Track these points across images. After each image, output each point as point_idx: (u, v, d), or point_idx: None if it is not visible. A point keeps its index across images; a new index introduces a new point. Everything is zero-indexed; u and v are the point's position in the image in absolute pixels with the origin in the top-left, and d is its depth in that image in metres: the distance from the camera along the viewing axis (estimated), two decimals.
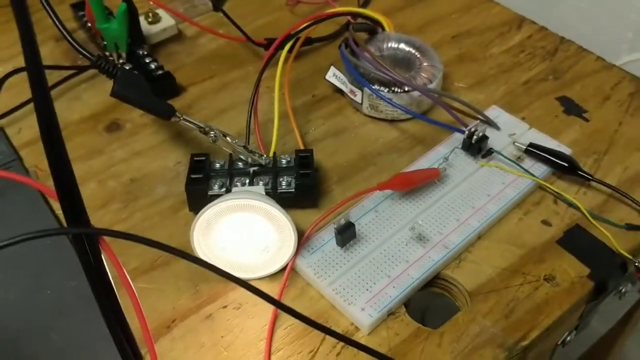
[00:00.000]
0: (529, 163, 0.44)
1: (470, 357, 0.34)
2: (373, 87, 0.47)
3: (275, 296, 0.37)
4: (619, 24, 0.69)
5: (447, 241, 0.39)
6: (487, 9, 0.61)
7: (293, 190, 0.41)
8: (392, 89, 0.47)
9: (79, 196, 0.22)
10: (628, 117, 0.49)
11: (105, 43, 0.52)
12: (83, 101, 0.51)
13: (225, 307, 0.37)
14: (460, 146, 0.45)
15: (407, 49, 0.51)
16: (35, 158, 0.46)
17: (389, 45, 0.51)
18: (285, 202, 0.39)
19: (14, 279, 0.38)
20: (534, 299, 0.37)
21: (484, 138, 0.44)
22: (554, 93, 0.51)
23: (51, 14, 0.48)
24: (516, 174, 0.43)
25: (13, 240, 0.21)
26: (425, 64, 0.50)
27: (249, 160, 0.42)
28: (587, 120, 0.49)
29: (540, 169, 0.44)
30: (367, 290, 0.36)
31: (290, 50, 0.51)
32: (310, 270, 0.38)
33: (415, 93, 0.47)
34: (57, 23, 0.49)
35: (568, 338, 0.42)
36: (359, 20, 0.55)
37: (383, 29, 0.54)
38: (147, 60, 0.52)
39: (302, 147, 0.45)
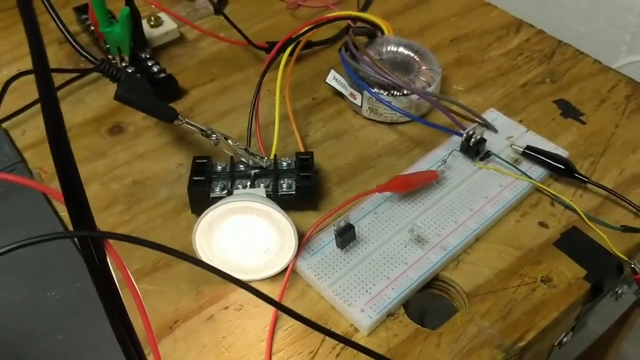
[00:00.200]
0: (526, 165, 0.44)
1: (468, 357, 0.35)
2: (372, 90, 0.47)
3: (276, 298, 0.38)
4: (617, 27, 0.70)
5: (445, 243, 0.40)
6: (485, 12, 0.62)
7: (293, 192, 0.41)
8: (392, 92, 0.48)
9: (85, 198, 0.23)
10: (624, 120, 0.49)
11: (108, 46, 0.52)
12: (86, 104, 0.52)
13: (226, 308, 0.38)
14: (458, 149, 0.45)
15: (406, 52, 0.52)
16: (39, 160, 0.47)
17: (388, 48, 0.52)
18: (286, 204, 0.40)
19: (19, 281, 0.39)
20: (531, 300, 0.37)
21: (482, 141, 0.44)
22: (551, 96, 0.52)
23: (55, 17, 0.48)
24: (513, 176, 0.44)
25: (21, 243, 0.21)
26: (424, 67, 0.50)
27: (250, 162, 0.42)
28: (583, 123, 0.49)
29: (537, 172, 0.44)
30: (367, 291, 0.37)
31: (291, 54, 0.52)
32: (310, 272, 0.38)
33: (414, 96, 0.48)
34: (61, 26, 0.49)
35: (565, 339, 0.43)
36: (359, 24, 0.55)
37: (382, 32, 0.54)
38: (150, 64, 0.52)
39: (302, 150, 0.46)
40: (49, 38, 0.56)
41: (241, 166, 0.43)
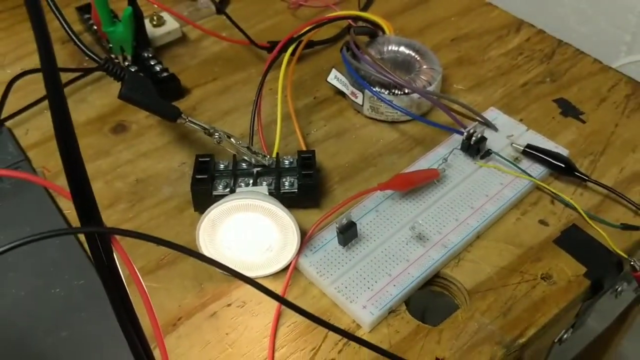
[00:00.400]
0: (526, 164, 0.45)
1: (469, 354, 0.35)
2: (374, 89, 0.48)
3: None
4: (617, 27, 0.70)
5: (446, 240, 0.40)
6: (485, 12, 0.62)
7: (296, 190, 0.42)
8: (393, 91, 0.48)
9: (92, 194, 0.23)
10: (624, 119, 0.50)
11: (110, 46, 0.53)
12: (89, 103, 0.52)
13: (229, 305, 0.38)
14: (459, 147, 0.46)
15: (407, 51, 0.52)
16: (43, 159, 0.47)
17: (390, 48, 0.52)
18: (288, 202, 0.40)
19: (24, 278, 0.39)
20: (532, 297, 0.38)
21: (483, 139, 0.45)
22: (551, 95, 0.52)
23: (59, 16, 0.48)
24: (514, 174, 0.44)
25: (29, 239, 0.22)
26: (424, 66, 0.51)
27: (253, 161, 0.43)
28: (583, 122, 0.50)
29: (537, 170, 0.44)
30: (369, 288, 0.37)
31: (292, 53, 0.52)
32: (312, 269, 0.38)
33: (415, 95, 0.48)
34: (65, 26, 0.49)
35: (565, 336, 0.43)
36: (360, 23, 0.55)
37: (383, 32, 0.55)
38: (152, 63, 0.53)
39: (304, 148, 0.46)
40: (52, 37, 0.56)
41: (244, 164, 0.43)
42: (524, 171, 0.44)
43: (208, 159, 0.43)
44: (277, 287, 0.39)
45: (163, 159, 0.47)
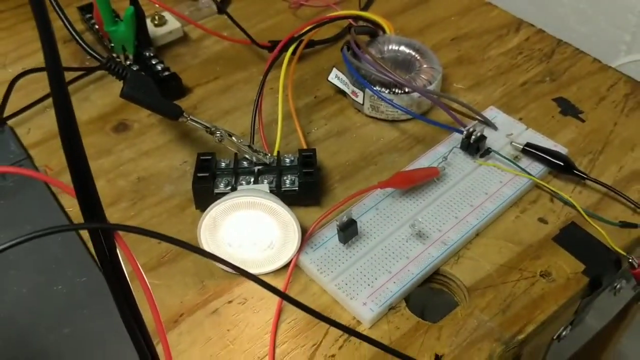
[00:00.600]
0: (526, 162, 0.45)
1: (468, 350, 0.36)
2: (374, 88, 0.48)
3: None
4: (617, 27, 0.70)
5: (446, 238, 0.40)
6: (485, 12, 0.63)
7: (296, 188, 0.42)
8: (393, 90, 0.48)
9: (95, 191, 0.23)
10: (623, 118, 0.50)
11: (112, 45, 0.53)
12: (91, 102, 0.52)
13: (230, 302, 0.38)
14: (459, 146, 0.46)
15: (407, 51, 0.52)
16: (45, 158, 0.47)
17: (390, 47, 0.53)
18: (289, 200, 0.40)
19: (27, 275, 0.39)
20: (531, 294, 0.38)
21: (482, 138, 0.45)
22: (550, 94, 0.52)
23: (61, 15, 0.49)
24: (513, 172, 0.44)
25: (33, 235, 0.22)
26: (424, 65, 0.51)
27: (254, 159, 0.43)
28: (583, 120, 0.50)
29: (537, 168, 0.45)
30: (369, 285, 0.38)
31: (293, 53, 0.53)
32: (313, 266, 0.39)
33: (415, 94, 0.48)
34: (68, 25, 0.50)
35: (564, 333, 0.43)
36: (360, 23, 0.56)
37: (384, 31, 0.55)
38: (154, 62, 0.53)
39: (305, 147, 0.47)
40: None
41: (245, 163, 0.43)
42: (523, 169, 0.44)
43: (209, 157, 0.43)
44: (278, 284, 0.39)
45: (165, 157, 0.48)
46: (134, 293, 0.26)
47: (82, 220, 0.24)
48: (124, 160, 0.47)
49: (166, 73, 0.52)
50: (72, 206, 0.43)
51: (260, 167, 0.43)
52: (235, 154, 0.43)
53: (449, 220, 0.41)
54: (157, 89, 0.44)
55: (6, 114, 0.50)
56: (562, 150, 0.46)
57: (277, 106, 0.48)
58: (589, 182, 0.44)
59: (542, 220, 0.42)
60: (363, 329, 0.37)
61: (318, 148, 0.46)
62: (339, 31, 0.59)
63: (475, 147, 0.45)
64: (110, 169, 0.47)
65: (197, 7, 0.62)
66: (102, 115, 0.51)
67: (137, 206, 0.44)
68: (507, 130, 0.48)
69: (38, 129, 0.50)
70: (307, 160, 0.43)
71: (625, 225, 0.41)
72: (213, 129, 0.43)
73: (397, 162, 0.47)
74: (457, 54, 0.57)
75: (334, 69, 0.52)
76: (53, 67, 0.20)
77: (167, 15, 0.58)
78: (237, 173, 0.42)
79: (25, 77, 0.51)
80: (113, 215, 0.43)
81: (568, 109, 0.51)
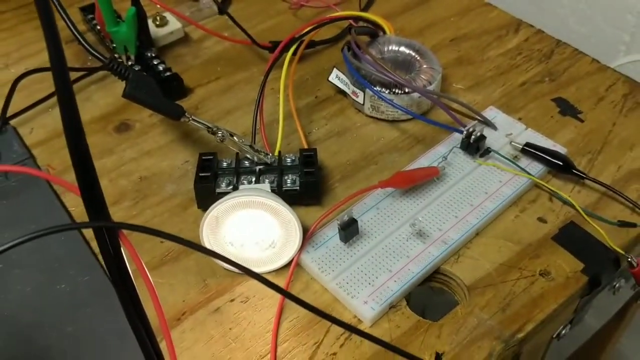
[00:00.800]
0: (525, 162, 0.45)
1: (468, 348, 0.36)
2: (374, 88, 0.48)
3: None
4: (616, 28, 0.71)
5: (446, 237, 0.40)
6: (484, 12, 0.63)
7: (297, 187, 0.42)
8: (393, 90, 0.49)
9: (100, 189, 0.24)
10: (622, 118, 0.50)
11: (114, 46, 0.53)
12: (93, 102, 0.52)
13: (232, 300, 0.38)
14: (458, 145, 0.46)
15: (407, 51, 0.53)
16: (48, 157, 0.47)
17: (390, 48, 0.53)
18: (290, 199, 0.40)
19: (30, 274, 0.40)
20: (530, 293, 0.38)
21: (482, 138, 0.45)
22: (549, 94, 0.53)
23: (64, 16, 0.49)
24: (513, 172, 0.44)
25: (39, 233, 0.22)
26: (424, 66, 0.51)
27: (255, 159, 0.43)
28: (582, 120, 0.50)
29: (536, 168, 0.45)
30: (370, 284, 0.38)
31: (294, 53, 0.53)
32: (314, 265, 0.39)
33: (415, 94, 0.49)
34: (71, 26, 0.50)
35: (563, 331, 0.44)
36: (361, 23, 0.56)
37: (384, 32, 0.55)
38: (155, 63, 0.53)
39: (306, 147, 0.47)
40: None
41: (246, 162, 0.43)
42: (522, 169, 0.44)
43: (211, 157, 0.43)
44: (279, 282, 0.39)
45: (166, 157, 0.48)
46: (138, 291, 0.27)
47: (85, 220, 0.24)
48: (126, 160, 0.48)
49: (167, 73, 0.52)
50: (75, 206, 0.43)
51: (261, 166, 0.43)
52: (237, 153, 0.44)
53: (449, 219, 0.41)
54: (159, 89, 0.44)
55: (9, 113, 0.50)
56: (561, 150, 0.46)
57: (278, 106, 0.49)
58: (588, 182, 0.45)
59: (541, 219, 0.43)
60: (364, 327, 0.37)
61: (319, 148, 0.46)
62: (339, 32, 0.60)
63: (475, 147, 0.45)
64: (112, 168, 0.47)
65: (198, 8, 0.62)
66: (104, 115, 0.51)
67: (139, 206, 0.44)
68: (506, 130, 0.48)
69: (40, 129, 0.50)
70: (308, 159, 0.43)
71: (624, 224, 0.42)
72: (215, 128, 0.43)
73: (397, 161, 0.47)
74: (456, 54, 0.58)
75: (335, 70, 0.52)
76: (57, 55, 0.20)
77: (168, 15, 0.58)
78: (239, 173, 0.43)
79: (27, 77, 0.52)
80: (115, 214, 0.43)
81: (567, 109, 0.51)
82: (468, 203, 0.43)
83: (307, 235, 0.40)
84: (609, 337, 0.67)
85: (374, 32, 0.55)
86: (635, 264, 0.40)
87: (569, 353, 0.59)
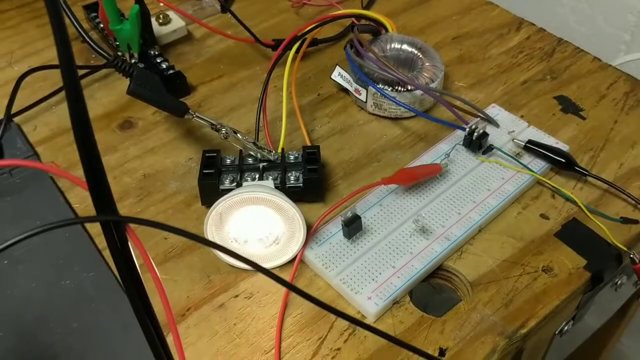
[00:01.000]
0: (527, 159, 0.45)
1: (471, 344, 0.36)
2: (377, 86, 0.49)
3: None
4: (616, 27, 0.71)
5: (449, 234, 0.41)
6: (486, 11, 0.63)
7: (301, 184, 0.42)
8: (396, 88, 0.49)
9: (107, 184, 0.24)
10: (623, 116, 0.51)
11: (117, 44, 0.53)
12: (96, 100, 0.53)
13: (236, 296, 0.39)
14: (461, 143, 0.46)
15: (410, 49, 0.53)
16: (52, 154, 0.48)
17: (392, 46, 0.53)
18: (294, 196, 0.41)
19: (35, 270, 0.40)
20: (533, 289, 0.39)
21: (484, 135, 0.46)
22: (551, 92, 0.53)
23: (68, 14, 0.49)
24: (515, 169, 0.45)
25: (45, 227, 0.22)
26: (427, 64, 0.51)
27: (259, 156, 0.43)
28: (583, 118, 0.50)
29: (538, 165, 0.45)
30: (373, 280, 0.38)
31: (297, 51, 0.53)
32: (318, 261, 0.39)
33: (418, 92, 0.49)
34: (75, 24, 0.50)
35: (565, 328, 0.44)
36: (363, 22, 0.56)
37: (386, 30, 0.55)
38: (159, 61, 0.53)
39: (309, 144, 0.47)
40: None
41: (250, 159, 0.44)
42: (525, 166, 0.45)
43: (215, 154, 0.43)
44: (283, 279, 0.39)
45: (170, 154, 0.48)
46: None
47: (95, 213, 0.24)
48: (130, 157, 0.48)
49: (171, 71, 0.53)
50: (79, 202, 0.43)
51: (265, 163, 0.43)
52: (240, 150, 0.44)
53: (452, 216, 0.42)
54: (163, 86, 0.44)
55: (13, 111, 0.50)
56: (564, 147, 0.46)
57: (281, 104, 0.49)
58: (590, 179, 0.45)
59: (543, 216, 0.43)
60: (368, 323, 0.37)
61: (322, 145, 0.47)
62: (342, 30, 0.60)
63: (477, 144, 0.45)
64: (116, 165, 0.47)
65: (201, 6, 0.62)
66: (108, 113, 0.51)
67: (143, 202, 0.44)
68: (508, 128, 0.48)
69: (44, 126, 0.50)
70: (311, 157, 0.44)
71: (626, 221, 0.42)
72: (218, 126, 0.43)
73: (400, 159, 0.47)
74: (458, 52, 0.58)
75: (337, 67, 0.52)
76: (64, 48, 0.20)
77: (171, 14, 0.59)
78: (242, 170, 0.43)
79: (31, 75, 0.52)
80: (120, 211, 0.43)
81: (569, 106, 0.51)
82: (471, 200, 0.43)
83: (311, 231, 0.40)
84: (610, 336, 0.67)
85: (376, 30, 0.55)
86: (637, 260, 0.40)
87: (571, 350, 0.59)
